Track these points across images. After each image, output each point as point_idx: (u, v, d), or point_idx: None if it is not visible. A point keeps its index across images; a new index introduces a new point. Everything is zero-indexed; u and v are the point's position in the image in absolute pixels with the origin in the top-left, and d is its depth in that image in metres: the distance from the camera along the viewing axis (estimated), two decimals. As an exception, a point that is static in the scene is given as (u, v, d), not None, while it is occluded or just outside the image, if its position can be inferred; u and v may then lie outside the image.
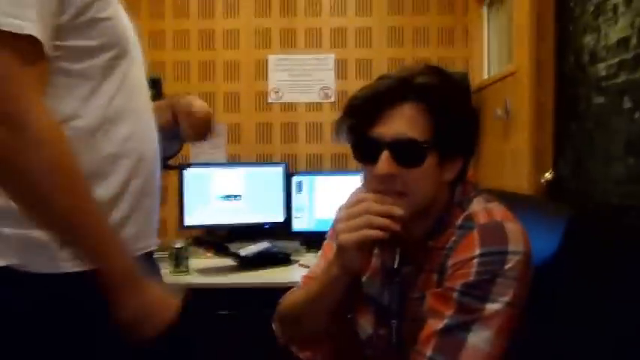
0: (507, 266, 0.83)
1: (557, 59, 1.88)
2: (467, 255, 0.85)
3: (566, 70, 1.82)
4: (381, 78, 0.92)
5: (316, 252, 2.35)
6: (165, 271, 2.01)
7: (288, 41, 2.62)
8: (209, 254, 2.18)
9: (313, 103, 2.62)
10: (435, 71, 0.92)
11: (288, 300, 1.06)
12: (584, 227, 1.03)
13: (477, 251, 0.85)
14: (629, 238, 1.40)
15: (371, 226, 0.84)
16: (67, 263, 0.87)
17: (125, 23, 1.00)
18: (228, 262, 2.12)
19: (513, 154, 2.03)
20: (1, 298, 0.85)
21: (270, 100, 2.63)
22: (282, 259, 2.14)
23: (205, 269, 2.10)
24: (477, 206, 0.91)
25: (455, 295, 0.84)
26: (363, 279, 1.04)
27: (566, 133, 1.82)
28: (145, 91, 1.09)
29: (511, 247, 0.84)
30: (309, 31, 2.62)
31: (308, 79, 2.62)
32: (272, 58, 2.62)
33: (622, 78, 1.48)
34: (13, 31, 0.78)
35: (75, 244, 0.86)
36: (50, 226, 0.84)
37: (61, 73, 0.89)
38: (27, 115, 0.79)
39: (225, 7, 2.61)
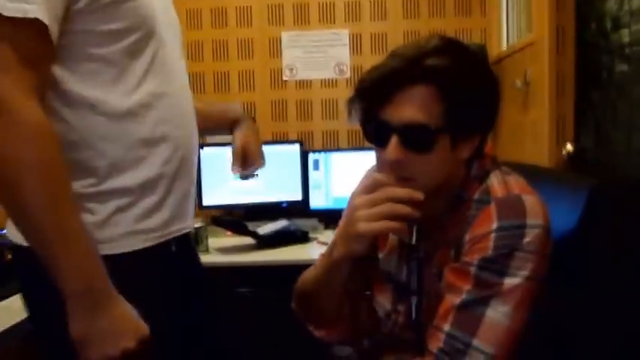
0: (526, 240, 0.81)
1: (578, 26, 1.82)
2: (484, 229, 0.84)
3: (587, 37, 1.76)
4: (392, 55, 0.88)
5: (334, 229, 2.37)
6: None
7: (302, 17, 2.59)
8: (228, 233, 2.20)
9: (328, 79, 2.59)
10: (449, 48, 0.86)
11: (301, 279, 1.06)
12: (606, 199, 1.00)
13: (495, 225, 0.83)
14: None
15: (394, 215, 0.83)
16: None
17: (152, 2, 0.96)
18: (248, 240, 2.14)
19: (533, 125, 1.98)
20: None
21: (284, 78, 2.60)
22: (300, 237, 2.14)
23: (225, 248, 2.12)
24: (495, 179, 0.89)
25: (472, 269, 0.83)
26: (381, 256, 1.03)
27: (587, 103, 1.77)
28: (181, 74, 1.06)
29: (529, 221, 0.82)
30: (323, 5, 2.58)
31: (322, 56, 2.58)
32: (285, 35, 2.59)
33: (646, 44, 1.42)
34: (17, 15, 0.77)
35: (41, 247, 0.82)
36: (20, 218, 0.82)
37: (85, 58, 0.88)
38: (16, 110, 0.78)
39: (237, -16, 2.58)
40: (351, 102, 0.91)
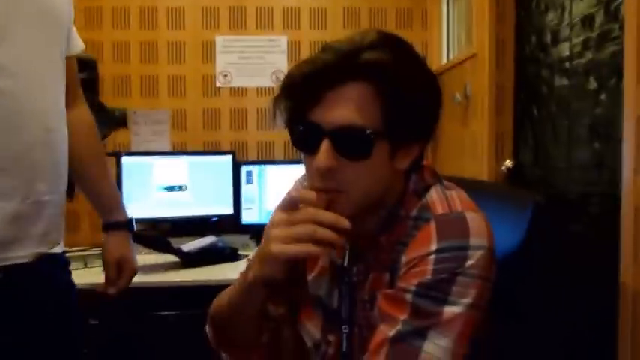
0: (469, 263, 0.72)
1: (518, 40, 1.79)
2: (423, 251, 0.74)
3: (527, 51, 1.73)
4: (324, 49, 0.77)
5: (267, 246, 2.24)
6: (99, 268, 1.84)
7: (238, 22, 2.46)
8: (145, 251, 2.01)
9: (264, 87, 2.47)
10: (388, 43, 0.76)
11: (216, 300, 0.92)
12: (549, 217, 0.93)
13: (434, 246, 0.73)
14: (594, 228, 1.32)
15: (314, 240, 0.70)
16: None
17: None
18: (171, 258, 1.97)
19: (473, 140, 1.93)
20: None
21: (218, 85, 2.46)
22: (228, 255, 1.99)
23: (144, 266, 1.93)
24: (435, 195, 0.80)
25: (409, 296, 0.72)
26: (309, 278, 0.91)
27: (527, 118, 1.73)
28: (37, 72, 0.98)
29: (473, 241, 0.73)
30: (260, 10, 2.47)
31: (259, 62, 2.46)
32: (220, 40, 2.45)
33: (586, 58, 1.39)
34: None
35: None
36: None
37: None
38: None
39: (169, -17, 2.42)
40: (276, 101, 0.78)
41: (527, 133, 1.73)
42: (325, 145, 0.73)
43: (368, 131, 0.72)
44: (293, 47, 2.47)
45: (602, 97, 1.31)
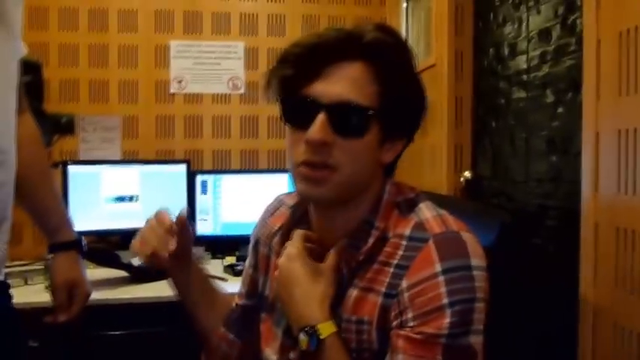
0: (477, 285, 0.69)
1: (477, 52, 1.80)
2: (426, 273, 0.70)
3: (485, 63, 1.74)
4: (326, 29, 0.76)
5: (222, 259, 2.19)
6: (41, 286, 1.73)
7: (193, 26, 2.38)
8: (91, 266, 1.90)
9: (221, 94, 2.40)
10: (390, 32, 0.77)
11: None
12: (513, 234, 0.91)
13: (439, 267, 0.69)
14: (553, 241, 1.32)
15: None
16: None
17: None
18: (120, 273, 1.87)
19: (432, 151, 1.93)
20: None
21: (172, 91, 2.37)
22: (182, 269, 1.90)
23: (92, 282, 1.82)
24: (428, 213, 0.76)
25: (442, 340, 0.67)
26: (266, 293, 0.88)
27: (486, 129, 1.74)
28: None
29: (474, 262, 0.70)
30: (217, 15, 2.40)
31: (215, 68, 2.39)
32: (174, 44, 2.36)
33: (544, 71, 1.40)
34: None
35: None
36: None
37: None
38: None
39: (120, -16, 2.33)
40: (273, 71, 0.76)
41: (486, 145, 1.73)
42: (321, 119, 0.72)
43: (366, 109, 0.72)
44: (250, 53, 2.41)
45: (560, 110, 1.32)
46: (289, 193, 0.95)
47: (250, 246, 0.97)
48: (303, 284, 0.75)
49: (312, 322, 0.72)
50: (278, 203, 0.95)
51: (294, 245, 0.79)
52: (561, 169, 1.31)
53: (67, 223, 1.25)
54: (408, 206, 0.77)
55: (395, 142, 0.78)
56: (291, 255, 0.78)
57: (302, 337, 0.72)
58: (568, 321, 1.11)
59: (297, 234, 0.81)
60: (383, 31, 0.76)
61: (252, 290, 0.94)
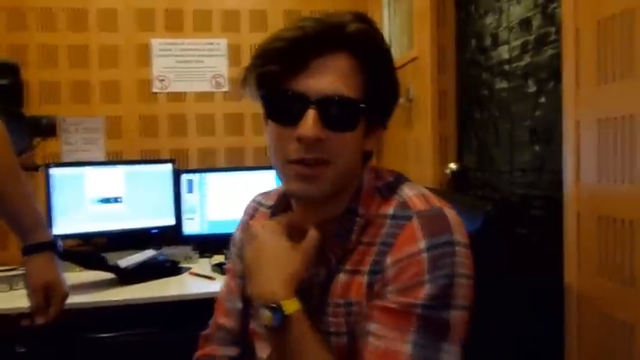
0: (459, 261, 0.69)
1: (459, 44, 1.80)
2: (410, 249, 0.70)
3: (468, 55, 1.74)
4: (304, 20, 0.73)
5: (210, 257, 2.18)
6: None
7: (175, 24, 2.36)
8: (77, 269, 1.88)
9: (204, 92, 2.39)
10: (368, 21, 0.76)
11: None
12: (497, 223, 0.91)
13: (422, 244, 0.69)
14: (537, 230, 1.33)
15: None
16: None
17: None
18: (107, 275, 1.85)
19: (417, 143, 1.93)
20: None
21: (154, 90, 2.35)
22: (169, 269, 1.89)
23: (78, 286, 1.80)
24: (410, 192, 0.76)
25: (418, 310, 0.67)
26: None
27: (470, 120, 1.74)
28: None
29: (456, 237, 0.70)
30: (198, 12, 2.38)
31: (198, 66, 2.37)
32: (156, 43, 2.34)
33: (525, 61, 1.40)
34: None
35: None
36: None
37: None
38: None
39: (99, -17, 2.29)
40: (253, 67, 0.73)
41: (470, 136, 1.74)
42: (311, 114, 0.70)
43: (357, 102, 0.72)
44: (233, 50, 2.40)
45: (542, 99, 1.33)
46: (264, 193, 0.94)
47: (233, 254, 0.95)
48: (273, 259, 0.73)
49: (275, 297, 0.70)
50: (256, 205, 0.94)
51: (275, 221, 0.79)
52: (544, 158, 1.32)
53: (40, 224, 1.23)
54: (389, 189, 0.77)
55: (376, 131, 0.78)
56: (270, 227, 0.77)
57: (266, 312, 0.69)
58: (553, 310, 1.11)
59: (282, 216, 0.80)
60: (363, 21, 0.74)
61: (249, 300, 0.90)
